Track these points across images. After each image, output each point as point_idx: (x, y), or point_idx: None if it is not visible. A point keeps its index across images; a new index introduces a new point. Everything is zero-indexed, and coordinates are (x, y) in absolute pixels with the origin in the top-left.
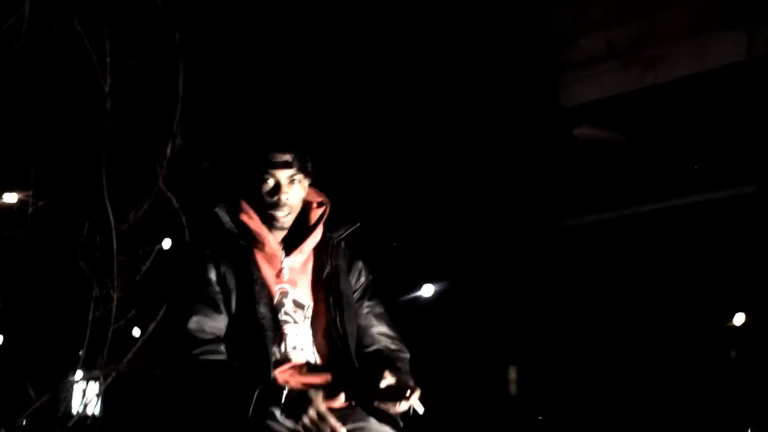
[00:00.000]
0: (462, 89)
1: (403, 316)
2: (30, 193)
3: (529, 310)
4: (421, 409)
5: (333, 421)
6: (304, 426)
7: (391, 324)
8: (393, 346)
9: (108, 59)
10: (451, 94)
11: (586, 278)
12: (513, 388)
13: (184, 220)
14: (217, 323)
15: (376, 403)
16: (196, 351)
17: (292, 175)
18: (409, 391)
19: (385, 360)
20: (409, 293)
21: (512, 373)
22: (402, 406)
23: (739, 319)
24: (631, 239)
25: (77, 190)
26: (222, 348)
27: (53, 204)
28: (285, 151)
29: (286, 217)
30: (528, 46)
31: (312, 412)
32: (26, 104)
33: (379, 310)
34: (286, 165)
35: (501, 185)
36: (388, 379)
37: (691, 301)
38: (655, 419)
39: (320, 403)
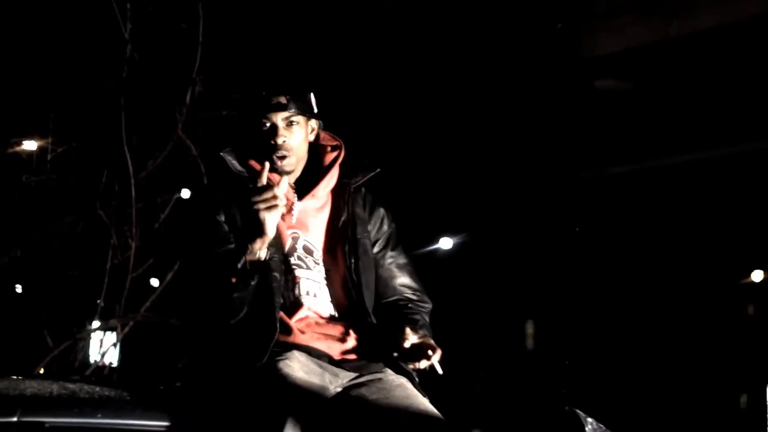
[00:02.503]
0: (484, 40)
1: (421, 268)
2: (49, 139)
3: (547, 265)
4: (440, 371)
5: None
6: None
7: (413, 275)
8: (414, 297)
9: (128, 5)
10: (474, 45)
11: (604, 231)
12: (529, 342)
13: (202, 167)
14: None
15: (397, 360)
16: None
17: (288, 117)
18: (430, 351)
19: (403, 316)
20: (428, 246)
21: (529, 328)
22: (422, 365)
23: (757, 275)
24: (650, 192)
25: (96, 137)
26: None
27: (72, 151)
28: (279, 93)
29: (283, 160)
30: None
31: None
32: (46, 51)
33: (402, 260)
34: (280, 107)
35: (521, 138)
36: (410, 339)
37: (710, 256)
38: (672, 376)
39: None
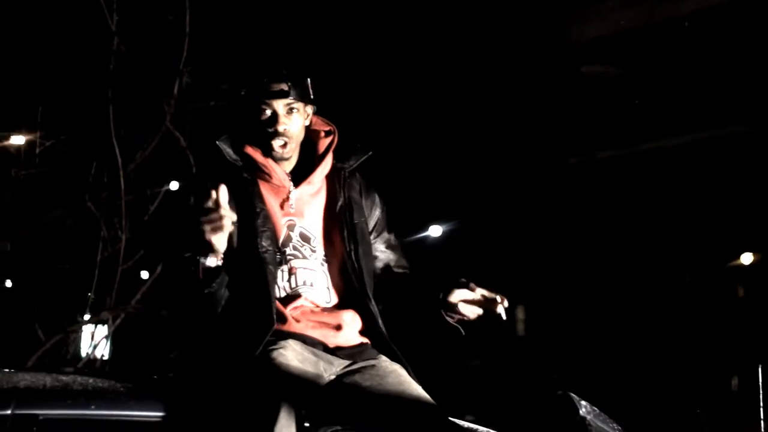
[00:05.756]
0: (469, 26)
1: (411, 255)
2: (37, 133)
3: (537, 250)
4: (504, 317)
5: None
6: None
7: (404, 255)
8: (462, 281)
9: None
10: (460, 32)
11: (593, 216)
12: (521, 327)
13: (191, 159)
14: None
15: (457, 307)
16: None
17: (289, 104)
18: (500, 298)
19: (419, 281)
20: (418, 233)
21: (520, 313)
22: (495, 309)
23: (746, 258)
24: (638, 177)
25: (84, 130)
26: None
27: (61, 144)
28: (280, 80)
29: (285, 148)
30: None
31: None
32: (33, 44)
33: (395, 242)
34: (282, 94)
35: (509, 125)
36: (478, 290)
37: (698, 239)
38: (663, 358)
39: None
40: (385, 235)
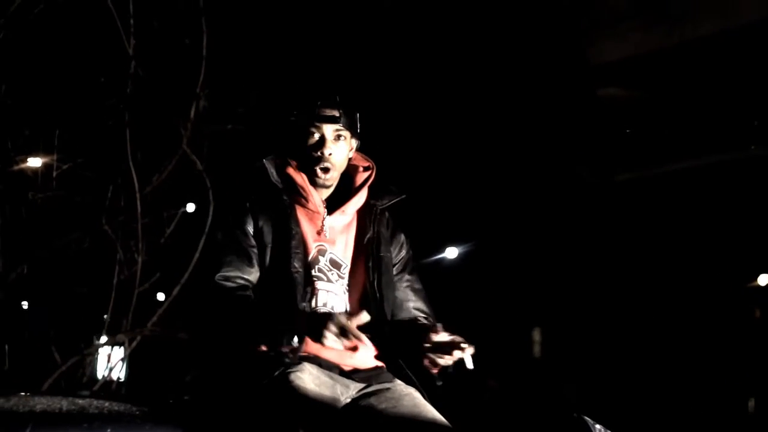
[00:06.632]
0: (488, 47)
1: (428, 277)
2: (54, 156)
3: (554, 272)
4: (470, 365)
5: (356, 332)
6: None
7: (427, 301)
8: (426, 323)
9: (132, 21)
10: (479, 54)
11: (610, 237)
12: (536, 350)
13: (207, 182)
14: (247, 275)
15: (426, 356)
16: (223, 298)
17: (338, 131)
18: (463, 345)
19: (422, 325)
20: (434, 254)
21: (536, 335)
22: (452, 358)
23: (763, 279)
24: (655, 198)
25: (102, 153)
26: (250, 293)
27: (78, 167)
28: (333, 106)
29: (327, 173)
30: (552, 3)
31: (334, 328)
32: (50, 67)
33: (417, 285)
34: (333, 119)
35: (526, 146)
36: (442, 333)
37: (715, 261)
38: (679, 381)
39: (343, 319)
40: (408, 276)
